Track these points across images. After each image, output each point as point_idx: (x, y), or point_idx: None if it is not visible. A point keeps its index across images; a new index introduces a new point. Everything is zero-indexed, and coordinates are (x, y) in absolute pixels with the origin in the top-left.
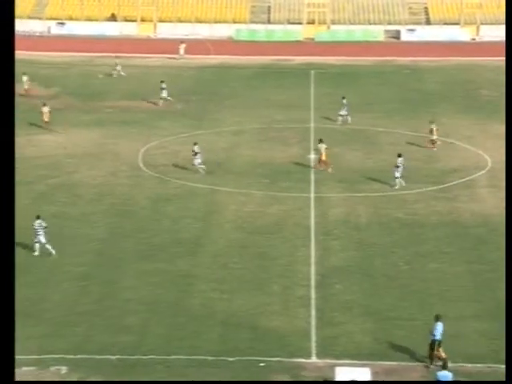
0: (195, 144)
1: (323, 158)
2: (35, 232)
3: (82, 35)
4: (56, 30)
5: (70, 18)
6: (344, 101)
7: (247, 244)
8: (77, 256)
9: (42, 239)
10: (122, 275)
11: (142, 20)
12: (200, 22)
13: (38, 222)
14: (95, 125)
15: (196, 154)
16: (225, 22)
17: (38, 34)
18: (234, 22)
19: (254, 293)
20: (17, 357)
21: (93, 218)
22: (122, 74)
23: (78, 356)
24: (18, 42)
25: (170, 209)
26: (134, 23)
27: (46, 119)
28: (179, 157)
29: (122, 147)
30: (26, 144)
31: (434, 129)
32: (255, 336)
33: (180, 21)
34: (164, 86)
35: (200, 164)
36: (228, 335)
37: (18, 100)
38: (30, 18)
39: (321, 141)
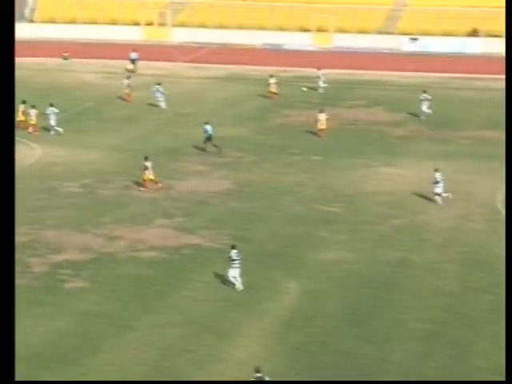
0: (436, 171)
1: None
2: (231, 264)
3: (437, 52)
4: (408, 46)
5: (425, 33)
6: None
7: None
8: (422, 311)
9: (237, 273)
10: (475, 337)
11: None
12: None
13: (235, 251)
14: (445, 157)
15: (437, 182)
16: None
17: (386, 51)
18: None
19: None
20: None
21: (441, 267)
22: (324, 85)
23: None
24: (348, 60)
25: None
26: (500, 39)
27: (323, 127)
28: None
29: (477, 185)
30: (365, 178)
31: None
32: None
33: None
34: (425, 96)
35: (439, 194)
36: None
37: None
38: (379, 33)
39: None
